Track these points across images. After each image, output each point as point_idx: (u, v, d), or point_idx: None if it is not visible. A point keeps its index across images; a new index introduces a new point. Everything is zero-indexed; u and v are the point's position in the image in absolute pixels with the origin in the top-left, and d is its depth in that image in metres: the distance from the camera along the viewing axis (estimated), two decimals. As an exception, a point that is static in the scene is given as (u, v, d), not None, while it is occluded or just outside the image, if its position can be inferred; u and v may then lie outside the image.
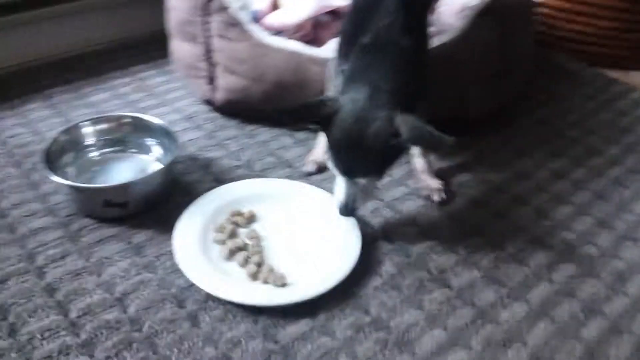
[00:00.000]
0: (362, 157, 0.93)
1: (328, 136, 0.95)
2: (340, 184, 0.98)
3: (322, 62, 1.24)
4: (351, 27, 1.08)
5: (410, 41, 1.00)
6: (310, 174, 1.22)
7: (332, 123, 0.94)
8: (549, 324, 0.93)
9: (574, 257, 1.06)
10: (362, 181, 0.96)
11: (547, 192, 1.21)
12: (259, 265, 0.99)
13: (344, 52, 1.08)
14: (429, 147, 1.00)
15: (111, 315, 0.92)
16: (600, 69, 1.69)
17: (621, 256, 1.07)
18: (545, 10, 1.72)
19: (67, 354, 0.86)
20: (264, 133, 1.36)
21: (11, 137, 1.31)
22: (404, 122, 0.90)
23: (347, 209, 0.98)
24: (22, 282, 0.97)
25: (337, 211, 0.99)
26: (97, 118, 1.22)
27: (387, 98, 0.94)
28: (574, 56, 1.72)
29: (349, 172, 0.96)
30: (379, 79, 0.96)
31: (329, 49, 1.32)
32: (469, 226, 1.11)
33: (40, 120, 1.36)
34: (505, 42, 1.31)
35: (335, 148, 0.95)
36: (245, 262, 1.00)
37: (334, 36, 1.42)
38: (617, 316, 0.95)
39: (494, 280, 1.00)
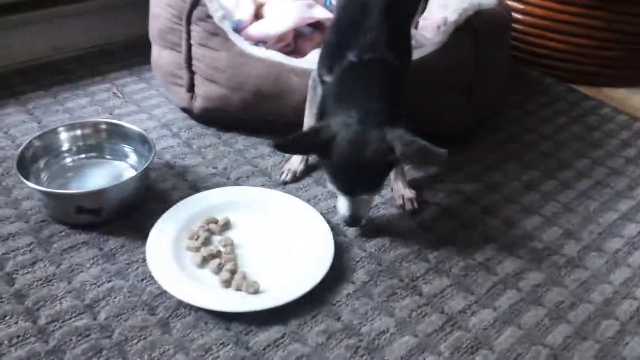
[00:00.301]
0: (363, 177, 1.00)
1: (327, 162, 1.01)
2: (343, 201, 1.04)
3: (302, 73, 1.26)
4: (335, 39, 1.10)
5: (395, 57, 1.03)
6: (286, 183, 1.23)
7: (330, 150, 0.98)
8: (516, 330, 0.95)
9: (541, 265, 1.08)
10: (363, 197, 1.04)
11: (517, 203, 1.24)
12: (233, 272, 1.00)
13: (327, 63, 1.10)
14: (422, 160, 1.03)
15: (81, 322, 0.91)
16: (572, 85, 1.73)
17: (586, 266, 1.09)
18: (520, 27, 1.76)
19: (35, 361, 0.85)
20: (241, 141, 1.37)
21: (-16, 142, 1.30)
22: (397, 138, 0.95)
23: (354, 220, 1.06)
24: (-9, 288, 0.96)
25: (343, 224, 1.10)
26: (73, 124, 1.22)
27: (377, 116, 0.98)
28: (547, 72, 1.77)
29: (351, 192, 1.02)
30: (367, 98, 1.00)
31: (310, 60, 1.34)
32: (440, 235, 1.13)
33: (15, 125, 1.35)
34: (480, 57, 1.33)
35: (336, 173, 1.01)
36: (218, 269, 1.00)
37: (315, 48, 1.44)
38: (581, 323, 0.97)
39: (463, 288, 1.02)
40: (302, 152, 1.17)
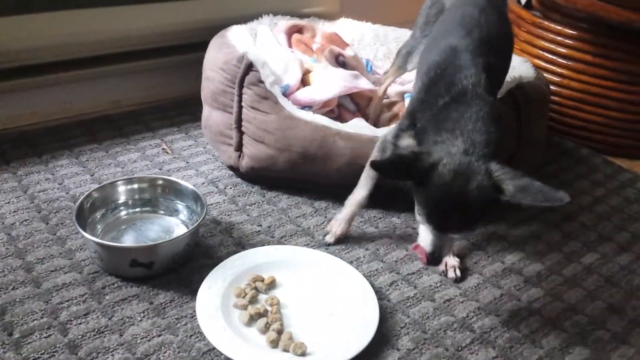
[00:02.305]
0: (461, 213, 0.93)
1: (423, 191, 0.94)
2: (428, 236, 0.99)
3: (347, 137, 1.31)
4: (425, 94, 1.07)
5: (491, 95, 1.01)
6: (329, 245, 1.25)
7: (430, 178, 0.92)
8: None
9: (586, 340, 1.07)
10: (454, 235, 0.99)
11: (560, 275, 1.24)
12: (279, 332, 1.01)
13: (411, 118, 1.08)
14: (535, 202, 0.89)
15: (132, 375, 0.93)
16: (607, 156, 1.75)
17: (631, 342, 1.09)
18: (557, 99, 1.81)
19: (87, 413, 0.87)
20: (285, 200, 1.40)
21: (40, 192, 1.35)
22: (507, 177, 0.90)
23: (435, 259, 1.00)
24: (46, 337, 0.98)
25: (424, 260, 1.02)
26: (131, 178, 1.27)
27: (482, 151, 0.93)
28: (582, 143, 1.80)
29: (443, 228, 0.96)
30: (471, 130, 0.95)
31: (355, 125, 1.39)
32: (484, 304, 1.13)
33: (69, 177, 1.41)
34: (521, 126, 1.37)
35: (431, 204, 0.94)
36: (265, 329, 1.02)
37: (355, 118, 1.50)
38: (632, 404, 0.96)
39: (510, 360, 1.02)
40: (398, 176, 1.03)
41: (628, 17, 1.59)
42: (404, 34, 1.80)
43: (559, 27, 1.77)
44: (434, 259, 1.00)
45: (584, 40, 1.71)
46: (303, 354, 0.98)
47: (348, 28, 1.80)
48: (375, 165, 0.97)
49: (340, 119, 1.49)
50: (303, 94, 1.45)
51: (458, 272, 1.19)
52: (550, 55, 1.81)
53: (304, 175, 1.39)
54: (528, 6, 1.93)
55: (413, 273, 1.20)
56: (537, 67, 1.62)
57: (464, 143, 0.94)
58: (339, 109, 1.50)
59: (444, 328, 1.07)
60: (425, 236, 1.00)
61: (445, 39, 1.11)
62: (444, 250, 1.00)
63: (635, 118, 1.75)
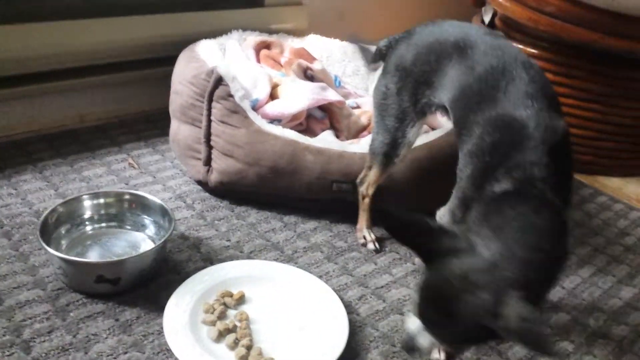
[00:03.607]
0: (444, 321, 0.78)
1: (425, 269, 0.82)
2: (414, 320, 0.84)
3: (316, 151, 1.32)
4: (476, 172, 0.90)
5: (560, 204, 0.81)
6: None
7: (435, 261, 0.79)
8: None
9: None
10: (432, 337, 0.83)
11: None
12: (248, 348, 1.00)
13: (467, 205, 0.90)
14: (528, 346, 0.75)
15: (97, 394, 0.91)
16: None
17: (594, 353, 1.11)
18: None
19: None
20: (254, 215, 1.40)
21: (2, 207, 1.32)
22: (514, 309, 0.71)
23: (407, 346, 0.86)
24: (8, 355, 0.96)
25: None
26: (97, 192, 1.25)
27: (513, 271, 0.75)
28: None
29: (424, 322, 0.81)
30: (514, 242, 0.77)
31: (323, 139, 1.40)
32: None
33: (32, 192, 1.38)
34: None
35: (422, 291, 0.80)
36: (234, 345, 1.01)
37: (325, 130, 1.51)
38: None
39: (477, 372, 1.03)
40: (404, 241, 0.86)
41: (588, 37, 1.65)
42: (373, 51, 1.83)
43: (522, 46, 1.82)
44: (407, 346, 0.86)
45: (546, 59, 1.77)
46: (272, 369, 0.97)
47: (316, 44, 1.82)
48: (388, 221, 0.83)
49: (309, 131, 1.50)
50: (272, 108, 1.45)
51: (442, 356, 1.02)
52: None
53: (273, 190, 1.40)
54: (491, 25, 1.99)
55: (382, 287, 1.21)
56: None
57: (497, 253, 0.76)
58: (307, 120, 1.51)
59: (413, 341, 1.08)
60: (412, 320, 0.85)
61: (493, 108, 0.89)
62: (421, 344, 0.84)
63: (595, 135, 1.81)
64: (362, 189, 1.29)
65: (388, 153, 1.17)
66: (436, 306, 0.78)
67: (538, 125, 0.84)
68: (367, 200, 1.30)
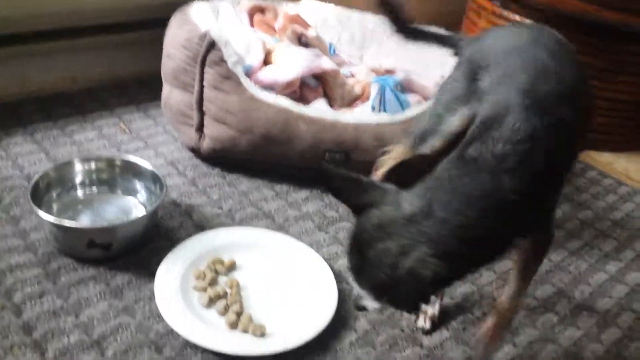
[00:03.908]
0: (361, 269, 0.80)
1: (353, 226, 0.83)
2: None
3: (309, 120, 1.31)
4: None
5: (516, 192, 0.79)
6: (426, 332, 1.07)
7: (362, 213, 0.81)
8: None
9: (535, 323, 1.12)
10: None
11: (509, 260, 1.28)
12: (239, 314, 1.01)
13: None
14: (395, 299, 0.77)
15: (89, 357, 0.92)
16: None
17: (578, 324, 1.14)
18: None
19: (42, 395, 0.86)
20: (245, 183, 1.40)
21: (-8, 169, 1.31)
22: (412, 262, 0.74)
23: (355, 304, 0.87)
24: (-1, 318, 0.97)
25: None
26: (88, 157, 1.24)
27: (428, 227, 0.75)
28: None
29: (351, 272, 0.82)
30: (438, 202, 0.77)
31: (317, 108, 1.39)
32: (439, 287, 1.17)
33: (22, 155, 1.37)
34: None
35: (348, 240, 0.82)
36: (224, 311, 1.02)
37: (319, 98, 1.50)
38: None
39: (463, 342, 1.05)
40: (338, 196, 0.87)
41: (582, 9, 1.63)
42: (368, 19, 1.80)
43: (518, 17, 1.80)
44: (354, 303, 0.87)
45: (541, 31, 1.74)
46: (262, 335, 0.99)
47: (311, 10, 1.79)
48: (323, 170, 0.84)
49: (303, 99, 1.49)
50: (265, 75, 1.44)
51: (428, 324, 1.06)
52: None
53: (265, 158, 1.39)
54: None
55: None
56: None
57: (418, 210, 0.77)
58: (301, 88, 1.49)
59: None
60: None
61: None
62: (365, 303, 0.84)
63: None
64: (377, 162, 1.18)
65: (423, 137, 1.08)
66: (356, 254, 0.80)
67: (524, 116, 0.83)
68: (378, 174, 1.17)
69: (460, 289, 1.17)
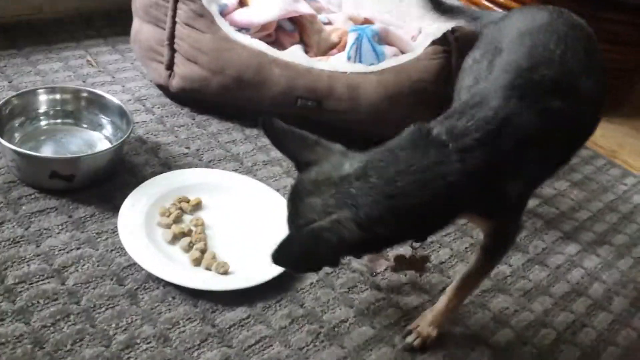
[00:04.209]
0: (294, 223, 0.79)
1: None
2: None
3: (284, 65, 1.30)
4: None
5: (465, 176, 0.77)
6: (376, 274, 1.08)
7: (305, 170, 0.80)
8: (463, 330, 1.03)
9: (506, 292, 1.16)
10: None
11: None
12: (203, 251, 1.02)
13: None
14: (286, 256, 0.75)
15: (49, 286, 0.92)
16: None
17: (530, 277, 1.19)
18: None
19: (2, 320, 0.85)
20: (215, 125, 1.38)
21: (-49, 94, 1.26)
22: (328, 223, 0.73)
23: None
24: (-45, 244, 0.95)
25: None
26: (53, 87, 1.20)
27: (359, 190, 0.75)
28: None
29: (288, 224, 0.82)
30: (375, 167, 0.77)
31: (292, 53, 1.37)
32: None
33: (-17, 82, 1.32)
34: (451, 70, 1.40)
35: (290, 192, 0.82)
36: (189, 248, 1.03)
37: (294, 44, 1.48)
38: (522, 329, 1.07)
39: (419, 288, 1.08)
40: (282, 149, 0.85)
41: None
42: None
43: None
44: None
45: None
46: (225, 273, 1.00)
47: (291, -47, 1.74)
48: (264, 123, 0.83)
49: (278, 43, 1.46)
50: (240, 15, 1.41)
51: (417, 342, 0.98)
52: (486, 3, 1.85)
53: (236, 101, 1.38)
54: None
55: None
56: (473, 14, 1.65)
57: (353, 172, 0.76)
58: (277, 32, 1.47)
59: (362, 255, 1.12)
60: None
61: None
62: None
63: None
64: None
65: None
66: (291, 204, 0.80)
67: (504, 102, 0.82)
68: None
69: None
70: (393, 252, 1.08)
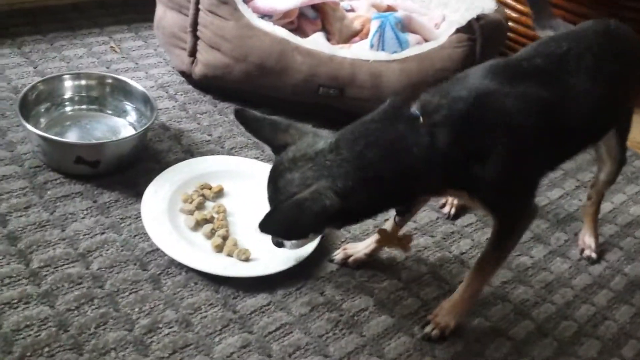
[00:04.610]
0: (275, 201, 0.82)
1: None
2: None
3: (306, 53, 1.29)
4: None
5: (439, 145, 0.80)
6: (333, 261, 1.07)
7: (281, 153, 0.84)
8: (483, 321, 1.03)
9: (510, 265, 1.16)
10: None
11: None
12: (224, 238, 1.03)
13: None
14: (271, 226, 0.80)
15: (74, 270, 0.94)
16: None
17: (552, 269, 1.18)
18: (513, 35, 1.83)
19: (28, 303, 0.87)
20: (236, 112, 1.39)
21: (-22, 80, 1.28)
22: (308, 194, 0.77)
23: (274, 241, 0.94)
24: (-17, 227, 0.97)
25: None
26: (79, 73, 1.22)
27: (333, 163, 0.79)
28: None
29: (269, 203, 0.85)
30: (347, 142, 0.80)
31: (315, 41, 1.37)
32: (419, 227, 1.19)
33: (10, 67, 1.34)
34: (475, 57, 1.38)
35: (269, 174, 0.85)
36: (211, 234, 1.04)
37: (317, 31, 1.47)
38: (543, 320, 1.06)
39: (439, 278, 1.08)
40: (257, 135, 0.91)
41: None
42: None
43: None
44: (274, 240, 0.94)
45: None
46: (247, 260, 1.01)
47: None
48: (238, 114, 0.89)
49: (300, 30, 1.46)
50: (263, 2, 1.40)
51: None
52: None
53: (258, 88, 1.38)
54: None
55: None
56: (498, 1, 1.62)
57: (327, 147, 0.80)
58: (299, 19, 1.47)
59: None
60: None
61: None
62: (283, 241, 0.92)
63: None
64: None
65: None
66: (271, 185, 0.84)
67: (478, 79, 0.85)
68: None
69: (440, 228, 1.19)
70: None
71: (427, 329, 0.97)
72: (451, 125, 0.80)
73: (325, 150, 0.80)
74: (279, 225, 0.79)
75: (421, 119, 0.80)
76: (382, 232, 1.03)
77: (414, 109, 0.82)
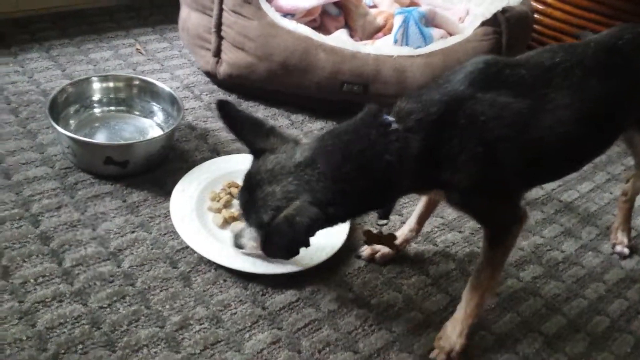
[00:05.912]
0: (251, 209, 0.82)
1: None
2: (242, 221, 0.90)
3: (330, 50, 1.29)
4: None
5: (403, 162, 0.80)
6: (360, 257, 1.07)
7: (259, 158, 0.84)
8: (515, 316, 1.01)
9: (541, 260, 1.14)
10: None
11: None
12: (252, 236, 1.04)
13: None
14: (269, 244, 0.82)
15: (105, 268, 0.95)
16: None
17: (584, 264, 1.16)
18: (539, 27, 1.80)
19: (61, 301, 0.89)
20: (262, 111, 1.40)
21: (9, 84, 1.31)
22: (294, 210, 0.77)
23: (235, 242, 0.96)
24: (17, 227, 0.99)
25: None
26: (106, 75, 1.24)
27: (311, 176, 0.79)
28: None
29: (242, 210, 0.86)
30: (324, 153, 0.80)
31: (337, 38, 1.37)
32: (447, 222, 1.18)
33: (39, 71, 1.37)
34: (502, 49, 1.37)
35: (243, 180, 0.86)
36: (238, 232, 1.04)
37: (340, 28, 1.47)
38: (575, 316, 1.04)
39: (468, 274, 1.07)
40: (239, 135, 0.89)
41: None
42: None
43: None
44: (234, 241, 0.96)
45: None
46: (274, 258, 1.01)
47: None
48: (221, 106, 0.87)
49: (323, 28, 1.46)
50: (286, 1, 1.41)
51: (441, 358, 0.94)
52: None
53: (282, 87, 1.38)
54: None
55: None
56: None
57: (303, 159, 0.80)
58: (322, 17, 1.47)
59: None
60: None
61: None
62: (243, 240, 0.95)
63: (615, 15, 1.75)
64: None
65: None
66: (247, 193, 0.84)
67: (455, 84, 0.82)
68: None
69: (468, 224, 1.18)
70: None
71: (432, 354, 0.92)
72: (423, 129, 0.80)
73: (302, 164, 0.80)
74: (279, 244, 0.80)
75: (394, 125, 0.80)
76: (366, 233, 1.03)
77: (388, 115, 0.81)
